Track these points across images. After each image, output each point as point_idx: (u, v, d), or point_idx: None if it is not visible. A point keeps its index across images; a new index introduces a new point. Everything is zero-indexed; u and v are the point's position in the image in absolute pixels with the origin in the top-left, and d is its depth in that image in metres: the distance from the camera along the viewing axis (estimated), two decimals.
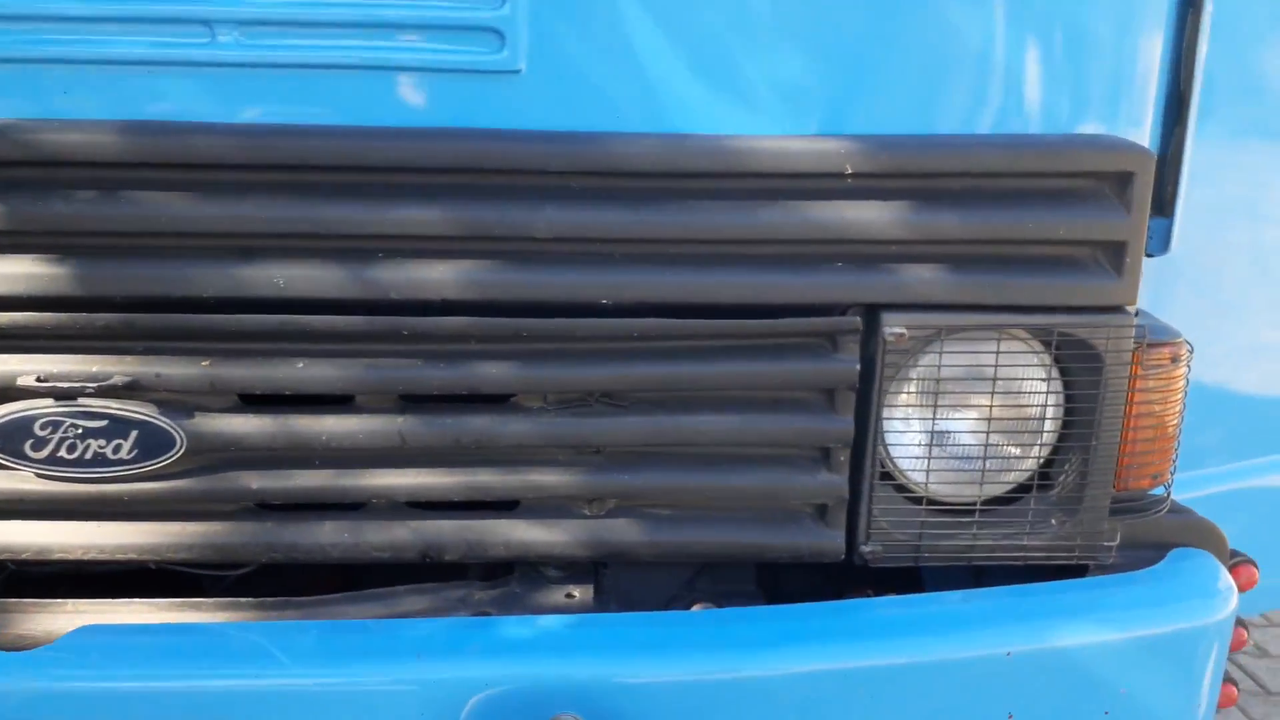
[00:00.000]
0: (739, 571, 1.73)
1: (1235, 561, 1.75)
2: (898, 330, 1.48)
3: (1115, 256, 1.51)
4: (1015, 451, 1.59)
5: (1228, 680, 1.73)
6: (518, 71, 1.40)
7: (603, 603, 1.65)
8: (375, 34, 1.39)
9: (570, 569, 1.65)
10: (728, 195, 1.47)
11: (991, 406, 1.54)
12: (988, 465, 1.58)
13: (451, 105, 1.42)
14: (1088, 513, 1.60)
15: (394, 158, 1.40)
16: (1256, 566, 1.75)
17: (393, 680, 1.37)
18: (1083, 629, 1.45)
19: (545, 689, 1.35)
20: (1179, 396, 1.63)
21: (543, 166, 1.42)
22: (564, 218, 1.43)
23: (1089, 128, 1.55)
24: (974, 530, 1.59)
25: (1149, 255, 1.66)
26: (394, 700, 1.37)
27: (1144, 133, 1.60)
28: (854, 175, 1.45)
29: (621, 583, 1.70)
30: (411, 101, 1.42)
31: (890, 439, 1.58)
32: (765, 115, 1.48)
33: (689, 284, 1.47)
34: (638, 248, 1.46)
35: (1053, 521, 1.59)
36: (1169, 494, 1.68)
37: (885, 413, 1.55)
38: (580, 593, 1.61)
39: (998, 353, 1.52)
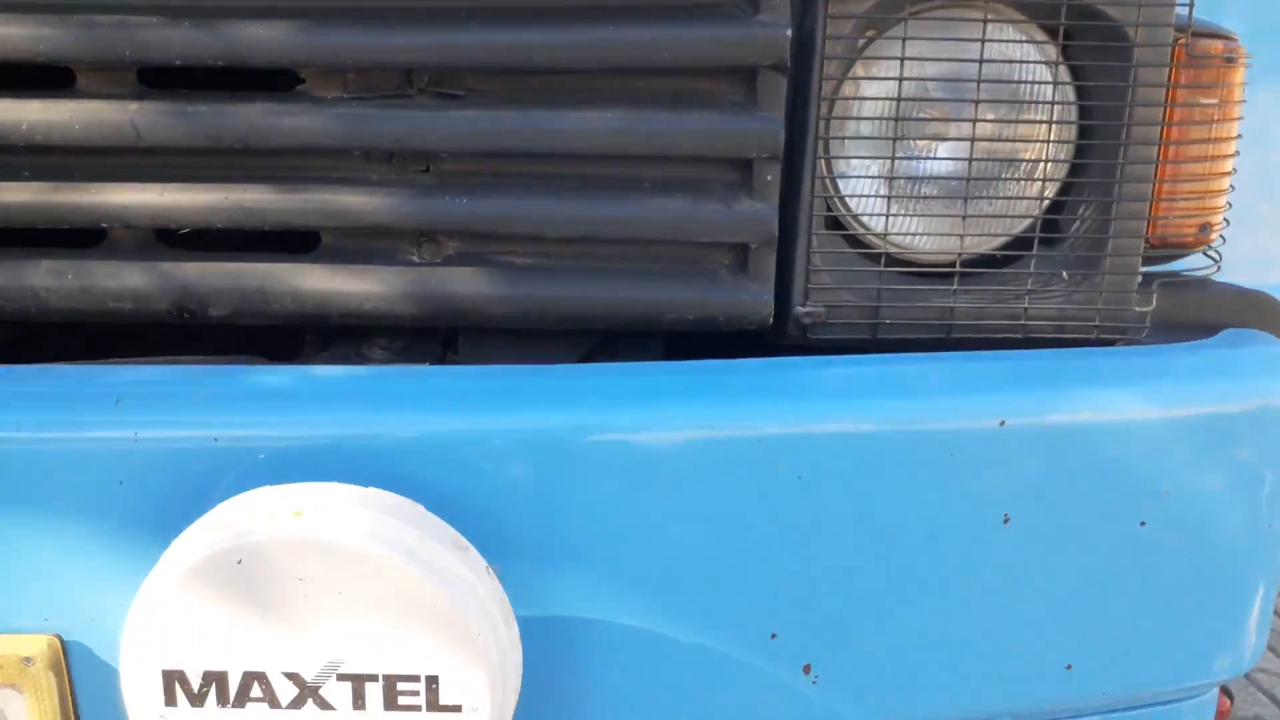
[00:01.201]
0: (646, 347, 1.25)
1: None
2: None
3: None
4: (1011, 184, 1.13)
5: None
6: None
7: None
8: None
9: (404, 342, 1.18)
10: None
11: (975, 121, 1.08)
12: (973, 200, 1.11)
13: None
14: (1111, 269, 1.14)
15: None
16: None
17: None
18: (1106, 398, 0.99)
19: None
20: (1235, 117, 1.17)
21: None
22: None
23: None
24: (954, 290, 1.12)
25: None
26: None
27: None
28: None
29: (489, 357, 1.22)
30: None
31: (839, 169, 1.12)
32: None
33: None
34: None
35: (1064, 276, 1.12)
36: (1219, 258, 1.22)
37: (831, 121, 1.09)
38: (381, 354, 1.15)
39: (983, 41, 1.06)
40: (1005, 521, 0.99)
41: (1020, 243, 1.17)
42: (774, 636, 0.98)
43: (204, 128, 1.05)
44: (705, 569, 0.95)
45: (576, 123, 1.07)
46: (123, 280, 1.09)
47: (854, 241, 1.16)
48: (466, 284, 1.11)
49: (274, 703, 0.79)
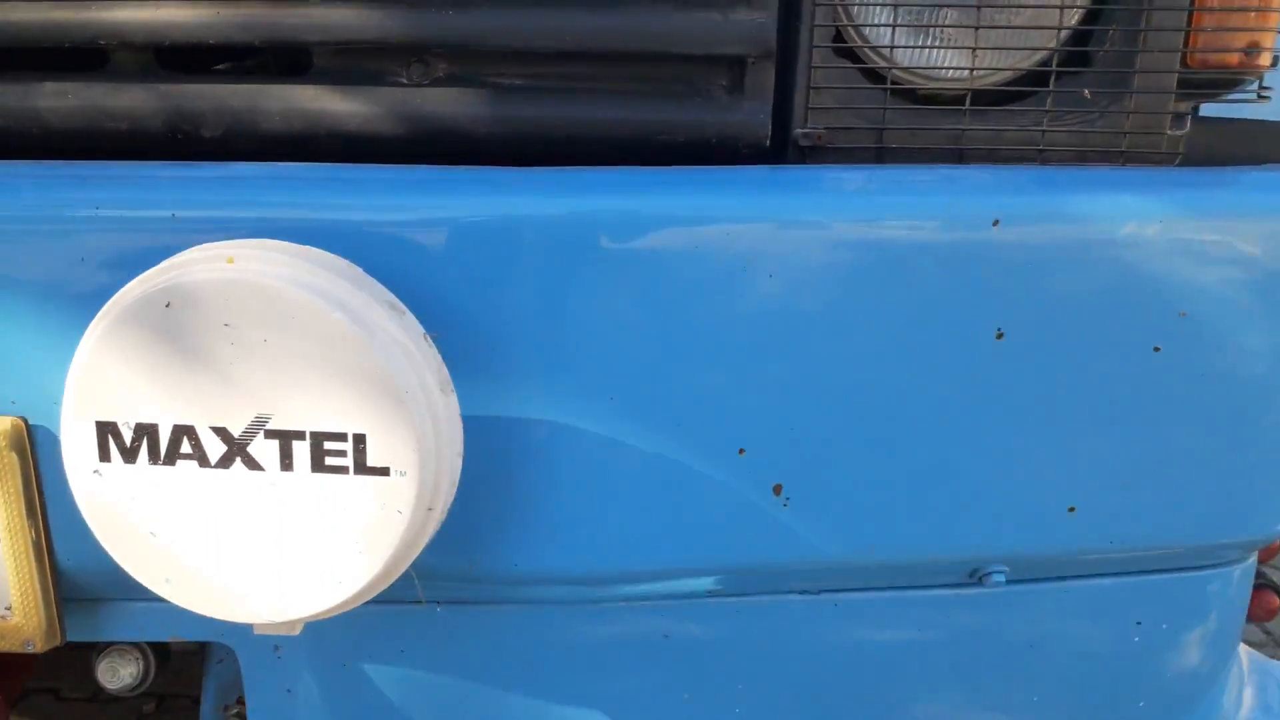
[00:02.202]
0: None
1: None
2: None
3: None
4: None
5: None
6: None
7: None
8: None
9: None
10: None
11: None
12: (990, 19, 1.02)
13: None
14: (1140, 88, 1.04)
15: None
16: None
17: None
18: (1111, 205, 0.90)
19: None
20: None
21: None
22: None
23: None
24: (965, 110, 1.04)
25: None
26: None
27: None
28: None
29: None
30: None
31: None
32: None
33: None
34: None
35: (1086, 95, 1.02)
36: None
37: None
38: None
39: None
40: (998, 337, 0.91)
41: (1045, 65, 1.07)
42: (742, 452, 0.92)
43: None
44: (667, 372, 0.90)
45: None
46: (119, 100, 1.09)
47: (863, 64, 1.08)
48: (455, 105, 1.07)
49: (203, 460, 0.77)
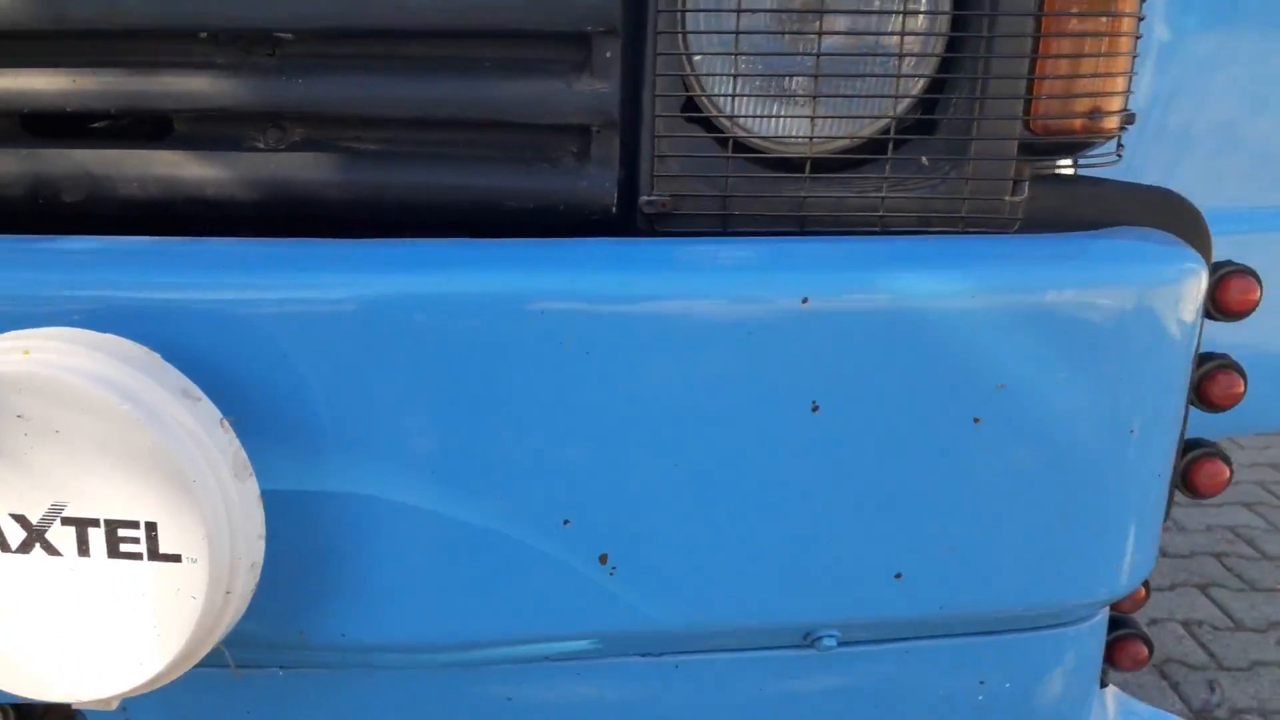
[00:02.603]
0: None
1: (1225, 272, 1.17)
2: None
3: None
4: (872, 67, 1.04)
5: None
6: None
7: None
8: None
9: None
10: None
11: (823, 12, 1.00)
12: (835, 86, 1.03)
13: None
14: (978, 155, 1.05)
15: None
16: (1259, 282, 1.17)
17: None
18: (924, 279, 0.91)
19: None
20: None
21: None
22: None
23: None
24: (806, 179, 1.05)
25: None
26: None
27: None
28: None
29: None
30: None
31: (694, 51, 1.05)
32: None
33: None
34: None
35: (923, 161, 1.04)
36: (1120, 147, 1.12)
37: None
38: None
39: None
40: (814, 410, 0.92)
41: (887, 132, 1.08)
42: (567, 523, 0.93)
43: (51, 10, 1.05)
44: (489, 446, 0.91)
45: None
46: None
47: (712, 129, 1.09)
48: (308, 170, 1.09)
49: (4, 546, 0.78)
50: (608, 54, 1.04)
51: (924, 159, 1.06)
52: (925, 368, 0.93)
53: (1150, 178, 1.22)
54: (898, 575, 0.98)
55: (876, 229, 1.07)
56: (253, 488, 0.81)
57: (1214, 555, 3.37)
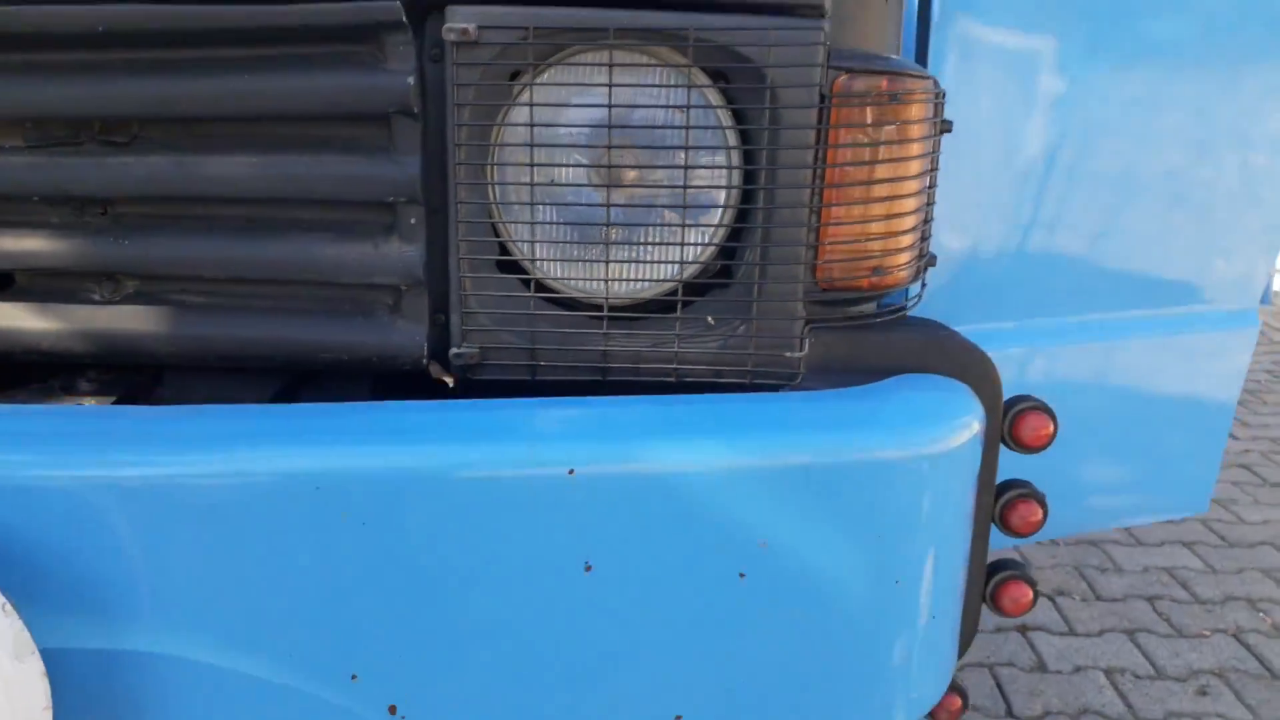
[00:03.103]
0: (350, 385, 1.29)
1: (1022, 408, 1.24)
2: (461, 25, 1.03)
3: None
4: (664, 228, 1.12)
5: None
6: None
7: None
8: None
9: (113, 376, 1.25)
10: None
11: (609, 150, 1.07)
12: (619, 244, 1.11)
13: None
14: (763, 314, 1.12)
15: None
16: (1053, 418, 1.24)
17: None
18: (693, 445, 0.98)
19: None
20: (917, 156, 1.14)
21: None
22: None
23: None
24: (604, 333, 1.12)
25: None
26: None
27: None
28: None
29: (189, 398, 1.28)
30: None
31: (505, 205, 1.13)
32: None
33: None
34: None
35: (709, 321, 1.11)
36: (906, 298, 1.19)
37: (492, 160, 1.10)
38: (88, 390, 1.21)
39: (610, 65, 1.05)
40: (587, 570, 1.00)
41: (686, 286, 1.16)
42: (355, 678, 1.01)
43: None
44: (277, 609, 0.99)
45: (227, 168, 1.11)
46: None
47: (521, 282, 1.17)
48: (141, 322, 1.17)
49: None
50: (412, 220, 1.11)
51: (710, 319, 1.13)
52: (690, 528, 1.00)
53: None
54: (677, 717, 1.05)
55: (671, 378, 1.15)
56: (35, 664, 0.89)
57: (1146, 599, 3.43)
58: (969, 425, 1.13)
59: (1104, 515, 1.70)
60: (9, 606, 0.88)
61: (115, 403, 1.22)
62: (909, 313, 1.22)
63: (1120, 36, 1.41)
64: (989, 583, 1.31)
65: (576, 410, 1.03)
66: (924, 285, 1.27)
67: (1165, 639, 3.19)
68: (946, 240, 1.48)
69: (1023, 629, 3.26)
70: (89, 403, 1.21)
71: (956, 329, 1.36)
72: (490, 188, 1.12)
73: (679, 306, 1.14)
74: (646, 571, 1.01)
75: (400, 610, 1.00)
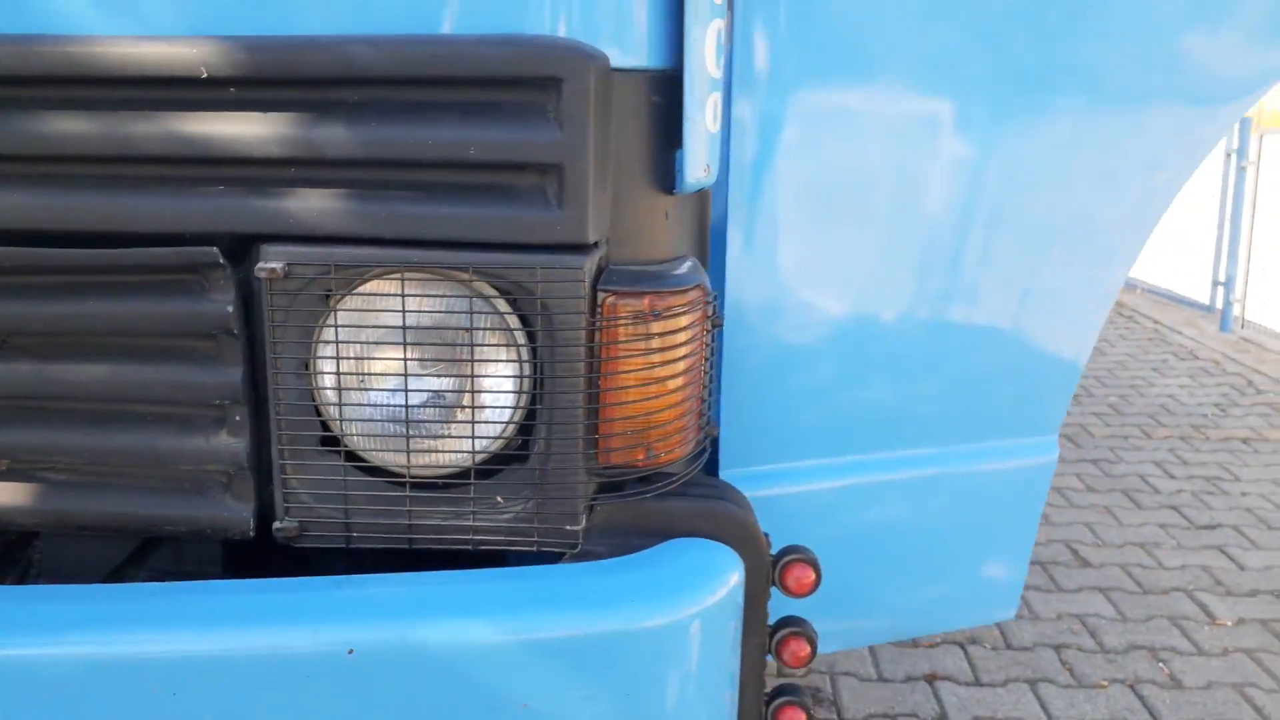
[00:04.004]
0: (201, 548, 1.51)
1: (788, 560, 1.46)
2: (272, 265, 1.24)
3: (556, 184, 1.24)
4: (452, 420, 1.33)
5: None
6: None
7: (32, 576, 1.46)
8: None
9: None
10: (82, 105, 1.25)
11: (406, 361, 1.28)
12: (422, 434, 1.32)
13: None
14: (549, 492, 1.33)
15: None
16: (814, 568, 1.45)
17: None
18: (452, 623, 1.20)
19: None
20: (684, 356, 1.35)
21: None
22: None
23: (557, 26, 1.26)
24: (408, 508, 1.33)
25: (669, 192, 1.38)
26: None
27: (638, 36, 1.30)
28: (214, 81, 1.21)
29: (61, 556, 1.50)
30: None
31: (328, 398, 1.34)
32: (155, 15, 1.23)
33: (32, 206, 1.25)
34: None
35: (499, 500, 1.32)
36: (682, 472, 1.40)
37: (317, 365, 1.31)
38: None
39: (403, 295, 1.27)
40: None
41: (484, 465, 1.36)
42: None
43: None
44: None
45: (81, 373, 1.33)
46: None
47: (341, 461, 1.37)
48: (11, 496, 1.37)
49: None
50: (237, 417, 1.32)
51: (499, 498, 1.34)
52: (459, 696, 1.21)
53: None
54: None
55: (469, 546, 1.36)
56: None
57: (1054, 647, 3.64)
58: (724, 584, 1.33)
59: (921, 623, 1.92)
60: None
61: None
62: (677, 485, 1.42)
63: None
64: (769, 707, 1.52)
65: (359, 590, 1.24)
66: (705, 454, 1.48)
67: (1065, 689, 3.40)
68: (769, 389, 1.69)
69: (930, 677, 3.47)
70: None
71: (777, 466, 1.58)
72: (314, 382, 1.33)
73: (472, 487, 1.34)
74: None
75: None
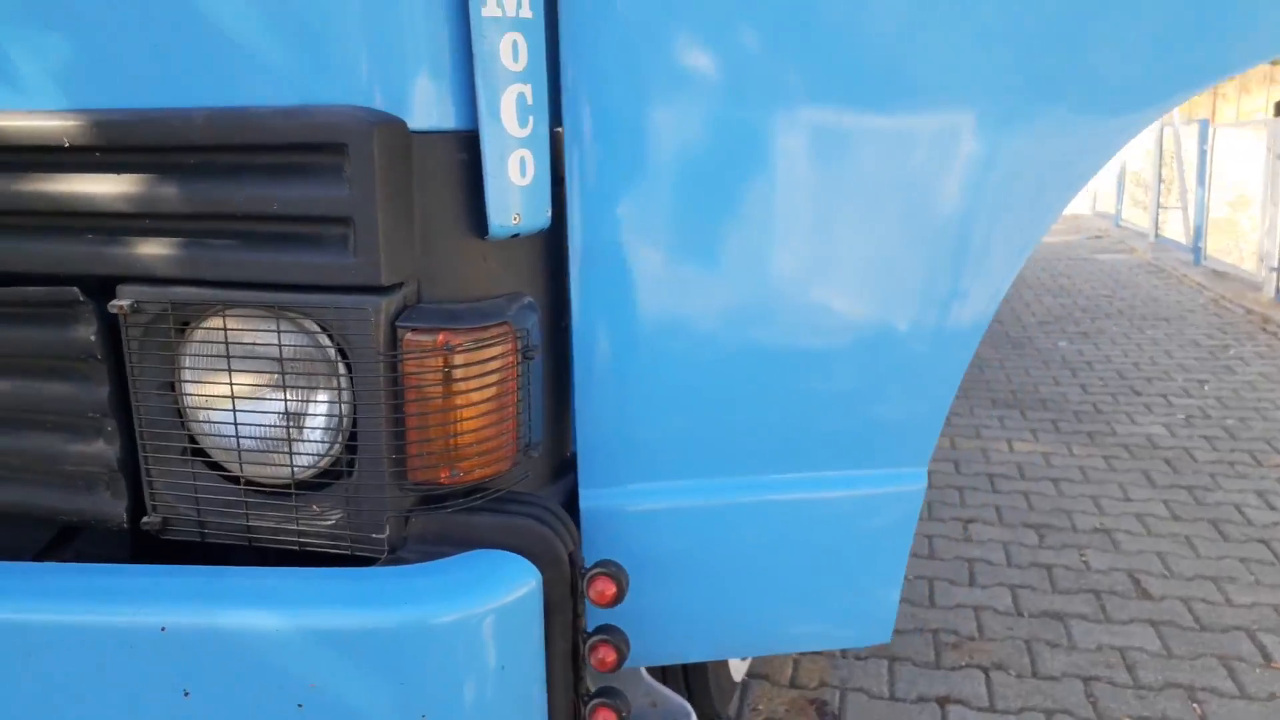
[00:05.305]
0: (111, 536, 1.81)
1: (592, 573, 1.64)
2: (121, 303, 1.52)
3: (351, 234, 1.47)
4: (276, 436, 1.57)
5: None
6: None
7: None
8: None
9: None
10: None
11: (231, 385, 1.54)
12: (254, 448, 1.58)
13: None
14: (359, 503, 1.56)
15: None
16: (615, 581, 1.63)
17: None
18: (253, 610, 1.43)
19: None
20: (491, 384, 1.55)
21: None
22: None
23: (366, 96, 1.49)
24: (245, 511, 1.59)
25: (482, 236, 1.59)
26: None
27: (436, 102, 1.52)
28: (76, 149, 1.50)
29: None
30: None
31: (192, 413, 1.61)
32: (29, 93, 1.54)
33: None
34: None
35: (314, 508, 1.56)
36: (489, 490, 1.61)
37: (180, 385, 1.59)
38: None
39: (224, 331, 1.52)
40: (185, 695, 1.47)
41: (310, 481, 1.60)
42: None
43: None
44: None
45: None
46: None
47: (213, 465, 1.64)
48: None
49: None
50: (109, 428, 1.61)
51: (315, 506, 1.58)
52: (254, 673, 1.45)
53: None
54: None
55: (296, 546, 1.61)
56: None
57: (1083, 679, 3.60)
58: (512, 591, 1.52)
59: (788, 640, 2.04)
60: None
61: None
62: (486, 501, 1.62)
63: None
64: (587, 706, 1.70)
65: (177, 579, 1.50)
66: (522, 473, 1.67)
67: None
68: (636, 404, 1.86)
69: (943, 700, 3.51)
70: None
71: (649, 484, 1.76)
72: (177, 399, 1.61)
73: (293, 496, 1.59)
74: (229, 700, 1.46)
75: None
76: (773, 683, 3.56)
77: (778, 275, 1.80)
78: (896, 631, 3.85)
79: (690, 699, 2.69)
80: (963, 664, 3.71)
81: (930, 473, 5.41)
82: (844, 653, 3.74)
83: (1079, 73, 1.71)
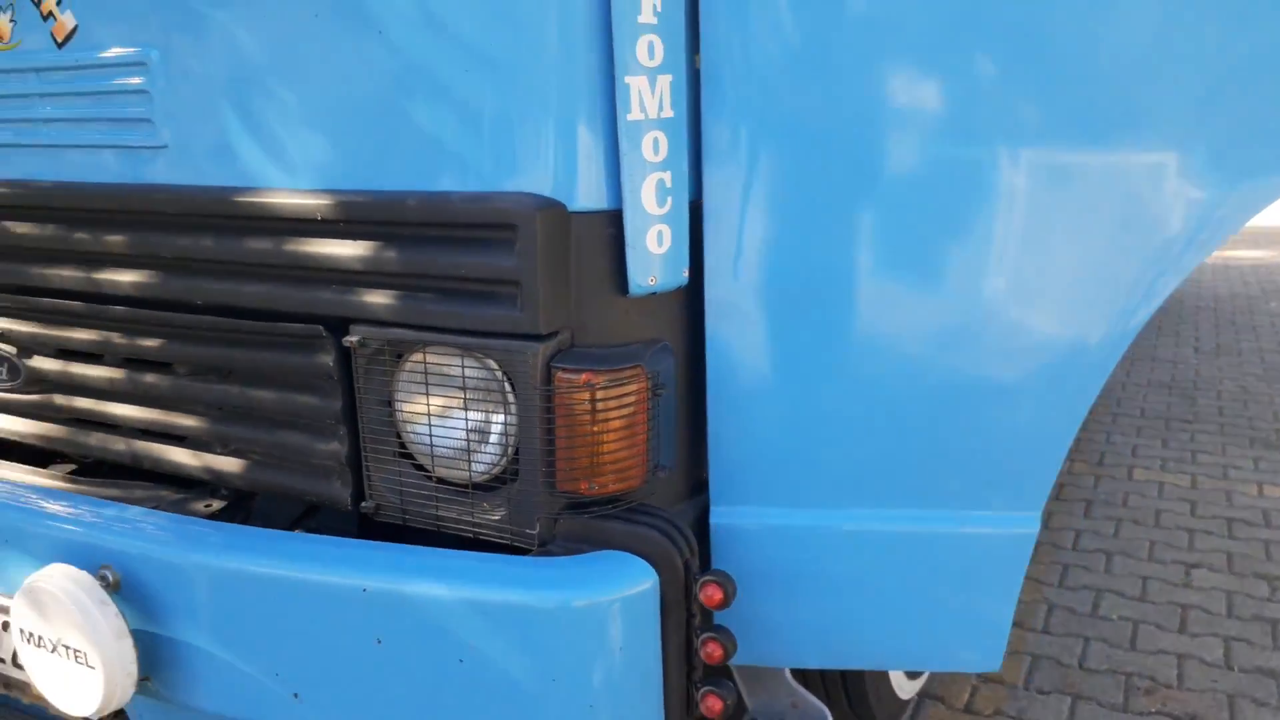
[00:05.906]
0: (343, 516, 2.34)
1: (703, 580, 1.99)
2: (352, 339, 2.03)
3: (521, 293, 1.90)
4: (461, 446, 2.02)
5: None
6: None
7: (241, 519, 2.38)
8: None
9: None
10: (240, 231, 2.12)
11: (429, 407, 2.01)
12: (443, 452, 2.05)
13: None
14: (519, 505, 1.99)
15: None
16: (723, 588, 1.97)
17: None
18: (429, 581, 1.89)
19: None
20: (624, 416, 1.94)
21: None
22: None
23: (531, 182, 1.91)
24: (435, 502, 2.07)
25: (624, 294, 1.98)
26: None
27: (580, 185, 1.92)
28: (325, 220, 2.02)
29: (265, 510, 2.41)
30: None
31: (402, 425, 2.11)
32: (294, 176, 2.08)
33: (223, 290, 2.16)
34: (208, 266, 2.18)
35: (485, 506, 2.01)
36: (618, 503, 2.00)
37: (396, 400, 2.09)
38: (218, 504, 2.36)
39: (425, 364, 2.00)
40: (378, 642, 1.94)
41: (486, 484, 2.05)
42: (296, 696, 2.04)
43: None
44: None
45: (260, 398, 2.20)
46: None
47: (412, 468, 2.12)
48: (224, 466, 2.29)
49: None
50: (341, 431, 2.12)
51: (486, 504, 2.02)
52: (439, 633, 1.90)
53: None
54: None
55: (469, 534, 2.05)
56: (128, 643, 1.99)
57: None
58: (628, 587, 1.89)
59: (889, 659, 2.31)
60: (118, 612, 2.01)
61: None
62: (617, 511, 1.99)
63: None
64: (699, 691, 2.05)
65: (379, 552, 1.97)
66: (651, 489, 2.04)
67: None
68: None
69: None
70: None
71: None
72: (392, 413, 2.10)
73: (470, 495, 2.04)
74: (409, 649, 1.92)
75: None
76: (947, 706, 3.72)
77: (893, 327, 2.06)
78: (1086, 670, 3.89)
79: (849, 707, 2.97)
80: (1153, 710, 3.70)
81: (1159, 513, 5.28)
82: (1026, 683, 3.83)
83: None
